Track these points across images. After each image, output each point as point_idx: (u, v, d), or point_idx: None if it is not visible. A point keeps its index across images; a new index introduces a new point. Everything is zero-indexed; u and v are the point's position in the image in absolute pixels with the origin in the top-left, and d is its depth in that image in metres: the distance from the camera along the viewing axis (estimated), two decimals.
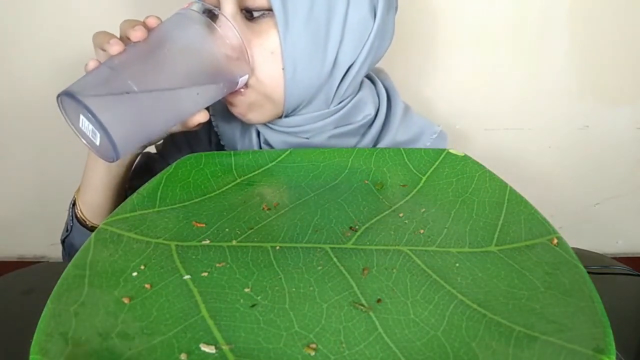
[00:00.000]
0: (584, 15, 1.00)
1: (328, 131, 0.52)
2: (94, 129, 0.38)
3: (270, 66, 0.46)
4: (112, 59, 0.40)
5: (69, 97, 0.37)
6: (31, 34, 0.98)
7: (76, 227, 0.53)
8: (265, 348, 0.27)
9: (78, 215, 0.53)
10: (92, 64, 0.41)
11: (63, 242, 0.56)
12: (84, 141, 0.40)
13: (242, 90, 0.47)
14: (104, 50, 0.41)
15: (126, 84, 0.38)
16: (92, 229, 0.53)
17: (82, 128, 0.39)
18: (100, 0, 0.92)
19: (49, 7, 0.96)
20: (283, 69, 0.46)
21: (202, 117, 0.45)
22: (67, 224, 0.55)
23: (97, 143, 0.39)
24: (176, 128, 0.47)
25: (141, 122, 0.40)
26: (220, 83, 0.45)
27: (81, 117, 0.38)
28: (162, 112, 0.41)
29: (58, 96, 0.38)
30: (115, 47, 0.40)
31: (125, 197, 0.55)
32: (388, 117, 0.56)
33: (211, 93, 0.45)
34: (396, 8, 0.52)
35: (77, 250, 0.54)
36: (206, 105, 0.45)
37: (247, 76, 0.46)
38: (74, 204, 0.54)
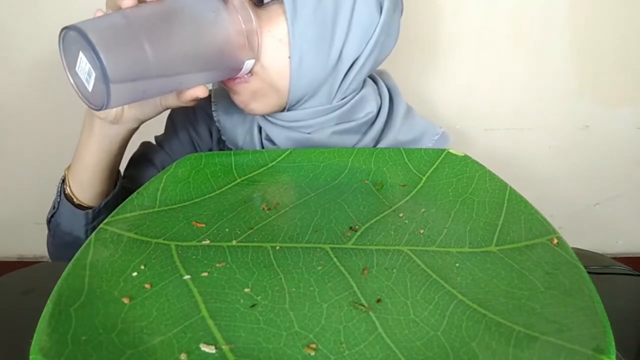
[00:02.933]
0: (584, 15, 1.00)
1: (329, 127, 0.52)
2: (90, 69, 0.37)
3: (277, 54, 0.46)
4: (124, 10, 0.39)
5: (74, 31, 0.36)
6: (32, 33, 0.98)
7: (63, 204, 0.52)
8: (265, 348, 0.27)
9: (66, 192, 0.52)
10: (99, 13, 0.40)
11: (49, 222, 0.55)
12: (75, 86, 0.39)
13: (246, 77, 0.47)
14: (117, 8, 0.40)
15: (135, 33, 0.38)
16: (78, 206, 0.52)
17: (78, 70, 0.38)
18: None
19: (49, 4, 0.96)
20: (289, 57, 0.46)
21: (200, 91, 0.44)
22: (54, 202, 0.54)
23: (90, 88, 0.38)
24: (173, 101, 0.46)
25: (141, 75, 0.39)
26: (225, 61, 0.44)
27: (80, 56, 0.37)
28: (164, 71, 0.40)
29: (62, 30, 0.37)
30: (128, 1, 0.39)
31: (116, 183, 0.55)
32: (390, 116, 0.56)
33: (215, 69, 0.44)
34: (402, 10, 0.52)
35: (62, 231, 0.53)
36: (207, 82, 0.45)
37: (253, 61, 0.46)
38: (63, 181, 0.53)
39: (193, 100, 0.45)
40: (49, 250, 0.58)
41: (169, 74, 0.41)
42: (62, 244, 0.55)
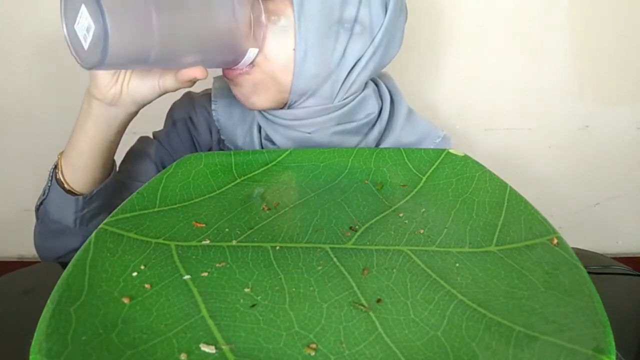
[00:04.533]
0: (584, 15, 1.00)
1: (330, 127, 0.52)
2: (90, 23, 0.36)
3: (282, 46, 0.46)
4: None
5: None
6: (33, 32, 0.98)
7: (54, 189, 0.51)
8: (265, 348, 0.27)
9: (58, 177, 0.51)
10: None
11: (37, 209, 0.54)
12: (70, 42, 0.39)
13: (246, 68, 0.47)
14: None
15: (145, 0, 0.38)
16: (69, 192, 0.51)
17: (77, 27, 0.38)
18: None
19: (50, 5, 0.96)
20: (294, 50, 0.46)
21: (198, 72, 0.43)
22: (44, 188, 0.52)
23: (86, 46, 0.38)
24: (171, 83, 0.46)
25: (141, 39, 0.38)
26: (228, 47, 0.44)
27: (81, 10, 0.37)
28: (165, 42, 0.40)
29: None
30: None
31: (111, 173, 0.54)
32: (391, 117, 0.56)
33: (216, 53, 0.44)
34: (406, 17, 0.52)
35: (50, 218, 0.52)
36: (207, 66, 0.44)
37: (255, 51, 0.46)
38: (55, 167, 0.51)
39: (190, 81, 0.44)
40: (35, 240, 0.56)
41: (170, 46, 0.41)
42: (50, 233, 0.54)
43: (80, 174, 0.50)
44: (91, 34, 0.37)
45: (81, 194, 0.51)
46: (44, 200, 0.52)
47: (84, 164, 0.50)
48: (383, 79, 0.59)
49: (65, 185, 0.51)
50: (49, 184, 0.51)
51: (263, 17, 0.45)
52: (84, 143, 0.49)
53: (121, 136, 0.51)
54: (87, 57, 0.38)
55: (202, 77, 0.44)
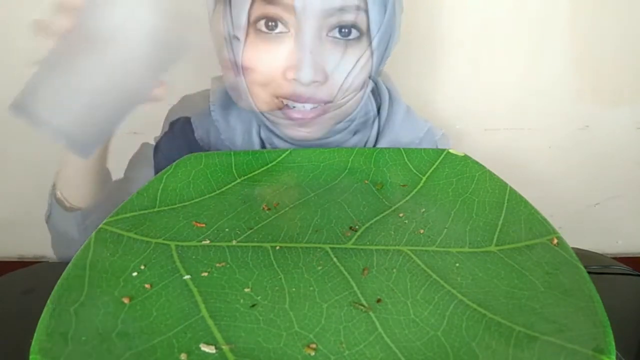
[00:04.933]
0: (584, 15, 1.00)
1: (329, 127, 0.52)
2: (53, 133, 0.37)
3: (279, 49, 0.46)
4: (49, 58, 0.39)
5: (17, 112, 0.37)
6: (31, 36, 0.98)
7: (55, 208, 0.53)
8: (265, 348, 0.27)
9: (57, 196, 0.53)
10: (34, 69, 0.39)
11: (47, 221, 0.56)
12: (59, 140, 0.39)
13: (242, 68, 0.47)
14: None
15: (68, 84, 0.37)
16: (70, 209, 0.52)
17: (45, 132, 0.38)
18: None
19: (49, 5, 0.96)
20: (292, 52, 0.46)
21: (161, 93, 0.42)
22: (48, 204, 0.54)
23: (65, 142, 0.39)
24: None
25: (98, 119, 0.39)
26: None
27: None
28: (117, 103, 0.39)
29: (9, 108, 0.38)
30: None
31: (107, 182, 0.55)
32: (390, 116, 0.56)
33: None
34: (402, 10, 0.52)
35: (57, 231, 0.54)
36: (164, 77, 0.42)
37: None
38: (54, 185, 0.53)
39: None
40: (52, 248, 0.59)
41: (123, 103, 0.40)
42: (59, 243, 0.56)
43: (76, 191, 0.52)
44: (62, 139, 0.38)
45: (80, 209, 0.53)
46: (50, 216, 0.54)
47: (77, 184, 0.52)
48: (381, 78, 0.59)
49: (66, 203, 0.52)
50: (49, 201, 0.54)
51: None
52: (72, 166, 0.51)
53: (107, 150, 0.52)
54: (74, 150, 0.40)
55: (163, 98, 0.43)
